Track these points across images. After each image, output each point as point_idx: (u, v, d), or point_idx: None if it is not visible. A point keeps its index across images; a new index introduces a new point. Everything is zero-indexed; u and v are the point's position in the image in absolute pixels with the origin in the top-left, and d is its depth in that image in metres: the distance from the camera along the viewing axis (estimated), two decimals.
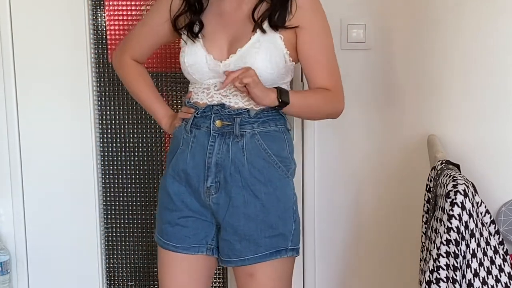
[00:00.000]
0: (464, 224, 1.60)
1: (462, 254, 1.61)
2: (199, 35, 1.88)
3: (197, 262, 1.94)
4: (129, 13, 2.39)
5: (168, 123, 2.02)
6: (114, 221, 2.52)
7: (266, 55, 1.82)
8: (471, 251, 1.61)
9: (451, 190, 1.62)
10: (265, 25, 1.84)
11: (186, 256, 1.92)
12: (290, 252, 1.89)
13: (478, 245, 1.62)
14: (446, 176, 1.70)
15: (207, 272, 1.98)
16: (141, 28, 2.05)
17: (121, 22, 2.39)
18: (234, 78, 1.77)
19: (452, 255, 1.61)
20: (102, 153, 2.48)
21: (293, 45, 1.88)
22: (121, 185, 2.50)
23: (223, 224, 1.88)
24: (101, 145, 2.48)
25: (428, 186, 1.90)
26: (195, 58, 1.87)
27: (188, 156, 1.88)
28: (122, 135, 2.47)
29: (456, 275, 1.61)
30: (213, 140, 1.86)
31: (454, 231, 1.60)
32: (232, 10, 1.90)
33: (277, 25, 1.84)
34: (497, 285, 1.64)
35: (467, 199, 1.61)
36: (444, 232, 1.62)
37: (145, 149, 2.47)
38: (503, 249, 1.71)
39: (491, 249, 1.66)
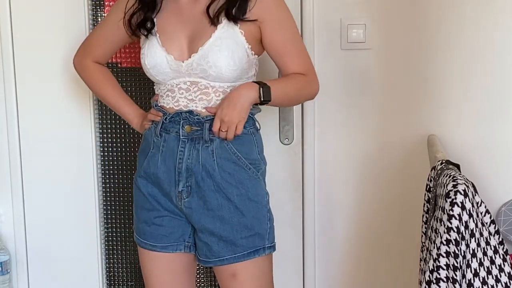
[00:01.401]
0: (464, 224, 1.60)
1: (462, 254, 1.61)
2: (156, 34, 1.87)
3: (177, 260, 1.95)
4: None
5: (139, 123, 2.03)
6: (114, 221, 2.52)
7: (228, 52, 1.81)
8: (471, 251, 1.61)
9: (451, 190, 1.62)
10: (224, 20, 1.82)
11: (165, 255, 1.94)
12: (268, 250, 1.91)
13: (478, 245, 1.62)
14: (446, 176, 1.70)
15: (188, 268, 2.00)
16: (101, 29, 2.05)
17: None
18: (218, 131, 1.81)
19: (452, 255, 1.61)
20: (102, 153, 2.48)
21: (255, 39, 1.86)
22: (121, 185, 2.50)
23: (198, 227, 1.89)
24: (101, 145, 2.48)
25: (428, 186, 1.90)
26: (155, 60, 1.86)
27: (159, 160, 1.89)
28: (122, 135, 2.47)
29: (456, 275, 1.61)
30: (182, 146, 1.86)
31: (454, 231, 1.60)
32: (189, 5, 1.88)
33: (236, 18, 1.82)
34: (497, 285, 1.64)
35: (467, 199, 1.61)
36: (444, 232, 1.62)
37: None
38: (503, 249, 1.71)
39: (491, 249, 1.66)
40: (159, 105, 1.92)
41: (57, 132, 2.45)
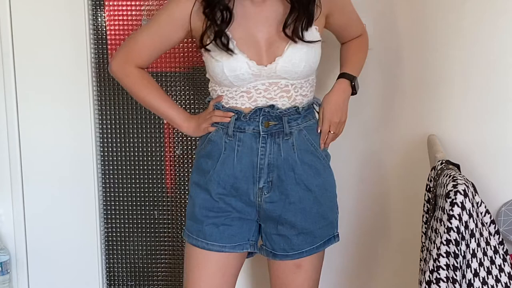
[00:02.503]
0: (464, 224, 1.60)
1: (462, 254, 1.61)
2: (233, 41, 1.84)
3: (238, 259, 1.97)
4: (129, 13, 2.39)
5: (192, 127, 1.97)
6: (114, 221, 2.52)
7: (311, 51, 1.86)
8: (471, 251, 1.61)
9: (451, 190, 1.62)
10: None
11: (228, 255, 1.94)
12: (337, 238, 2.00)
13: (478, 245, 1.62)
14: (446, 176, 1.70)
15: (239, 268, 2.02)
16: (150, 37, 1.93)
17: (121, 22, 2.39)
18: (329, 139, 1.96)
19: (452, 255, 1.61)
20: (102, 153, 2.48)
21: (322, 28, 1.94)
22: (121, 185, 2.50)
23: (279, 220, 1.91)
24: (101, 145, 2.48)
25: (428, 186, 1.90)
26: (236, 66, 1.83)
27: (235, 160, 1.89)
28: (122, 135, 2.47)
29: (456, 275, 1.61)
30: (263, 142, 1.88)
31: (454, 231, 1.60)
32: (254, 9, 1.87)
33: (304, 33, 1.86)
34: (497, 285, 1.64)
35: (467, 199, 1.61)
36: (444, 232, 1.62)
37: (145, 149, 2.47)
38: (503, 249, 1.72)
39: (491, 249, 1.66)
40: (227, 106, 1.90)
41: (57, 132, 2.45)
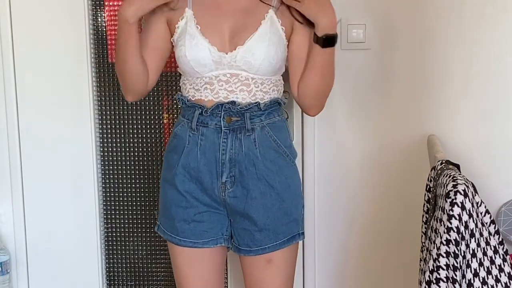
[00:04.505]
0: (464, 224, 1.60)
1: (462, 254, 1.61)
2: (197, 26, 1.86)
3: (215, 254, 1.98)
4: None
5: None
6: (114, 221, 2.52)
7: (273, 47, 1.85)
8: (471, 251, 1.61)
9: (451, 190, 1.62)
10: (267, 15, 1.86)
11: (205, 250, 1.96)
12: (302, 236, 1.98)
13: (478, 245, 1.62)
14: (446, 176, 1.70)
15: (222, 261, 2.03)
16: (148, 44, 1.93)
17: None
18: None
19: (452, 255, 1.61)
20: (102, 153, 2.48)
21: (288, 37, 1.91)
22: (121, 185, 2.50)
23: (244, 215, 1.92)
24: (101, 145, 2.48)
25: (428, 186, 1.90)
26: (197, 51, 1.86)
27: (198, 154, 1.90)
28: (122, 135, 2.47)
29: (456, 275, 1.61)
30: (225, 137, 1.88)
31: (454, 231, 1.60)
32: (227, 2, 1.89)
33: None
34: (497, 285, 1.64)
35: (467, 199, 1.61)
36: (444, 232, 1.62)
37: (145, 149, 2.48)
38: (503, 249, 1.71)
39: (491, 249, 1.66)
40: (193, 99, 1.91)
41: (57, 132, 2.45)
